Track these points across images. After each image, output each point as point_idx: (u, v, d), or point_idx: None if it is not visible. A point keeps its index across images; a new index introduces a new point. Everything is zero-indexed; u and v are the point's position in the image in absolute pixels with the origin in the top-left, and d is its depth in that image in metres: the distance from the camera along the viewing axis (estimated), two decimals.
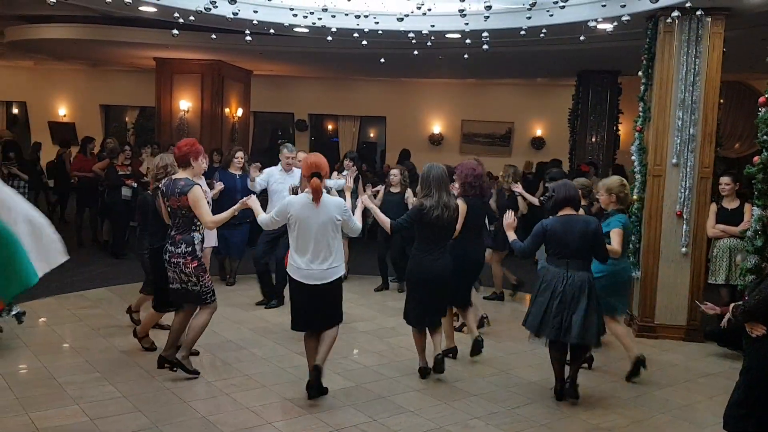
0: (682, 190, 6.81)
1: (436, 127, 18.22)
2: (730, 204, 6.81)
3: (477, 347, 5.85)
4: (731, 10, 6.70)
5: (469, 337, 5.95)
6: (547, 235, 5.03)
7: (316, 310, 4.87)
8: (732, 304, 3.58)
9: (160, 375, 5.27)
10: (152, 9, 8.96)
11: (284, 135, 19.92)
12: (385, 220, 5.41)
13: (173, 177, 5.17)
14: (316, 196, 4.73)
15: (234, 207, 5.16)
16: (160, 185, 5.34)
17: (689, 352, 6.57)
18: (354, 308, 7.36)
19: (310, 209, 4.76)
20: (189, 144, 5.20)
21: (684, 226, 6.84)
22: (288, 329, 6.62)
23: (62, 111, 19.44)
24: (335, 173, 9.07)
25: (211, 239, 7.48)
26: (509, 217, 5.37)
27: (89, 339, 6.05)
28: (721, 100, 8.39)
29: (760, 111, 4.73)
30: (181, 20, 7.49)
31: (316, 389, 4.85)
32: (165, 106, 14.78)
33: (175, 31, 7.42)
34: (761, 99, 4.66)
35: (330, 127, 19.72)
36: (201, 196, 5.03)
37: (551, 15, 7.22)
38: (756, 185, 4.64)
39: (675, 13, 6.05)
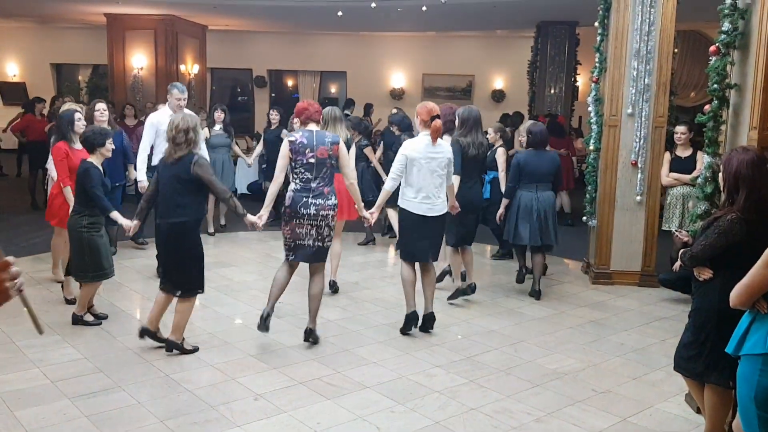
0: (637, 140, 6.91)
1: (397, 82, 18.11)
2: (684, 152, 6.96)
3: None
4: None
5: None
6: (521, 165, 6.39)
7: (427, 240, 5.44)
8: (681, 250, 3.68)
9: (122, 336, 5.26)
10: None
11: (243, 92, 19.62)
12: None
13: (314, 130, 5.08)
14: (436, 136, 5.26)
15: None
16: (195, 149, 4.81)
17: (643, 297, 6.77)
18: None
19: (430, 149, 5.28)
20: (311, 104, 5.25)
21: (639, 175, 6.96)
22: (251, 287, 6.69)
23: (12, 71, 18.80)
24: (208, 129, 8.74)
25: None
26: None
27: (48, 302, 5.98)
28: (676, 50, 8.47)
29: (711, 59, 4.79)
30: None
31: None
32: (118, 64, 14.39)
33: None
34: (712, 48, 4.71)
35: (290, 83, 19.45)
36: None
37: None
38: (706, 133, 4.73)
39: None
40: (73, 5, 13.31)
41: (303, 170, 4.97)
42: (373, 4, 8.60)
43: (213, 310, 5.94)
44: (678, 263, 3.75)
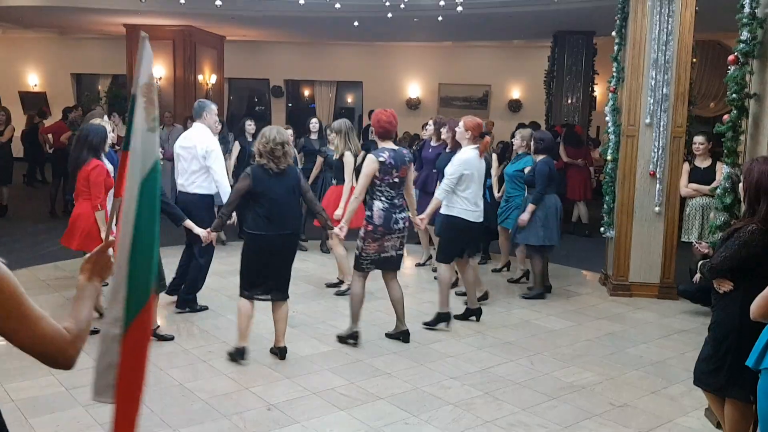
0: (656, 150, 6.85)
1: (414, 92, 18.11)
2: (703, 163, 6.87)
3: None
4: None
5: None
6: (552, 172, 6.71)
7: (470, 242, 5.93)
8: (700, 262, 3.62)
9: None
10: None
11: (260, 102, 19.72)
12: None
13: (394, 148, 5.18)
14: (483, 151, 5.74)
15: None
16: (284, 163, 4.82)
17: (662, 309, 6.68)
18: (330, 273, 7.38)
19: (480, 162, 5.73)
20: (394, 116, 5.27)
21: (657, 186, 6.89)
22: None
23: (33, 81, 19.04)
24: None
25: None
26: None
27: (64, 310, 5.96)
28: (695, 60, 8.39)
29: (729, 69, 4.73)
30: None
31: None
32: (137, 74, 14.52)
33: None
34: (730, 57, 4.66)
35: (306, 93, 19.53)
36: None
37: None
38: (725, 143, 4.66)
39: None
40: (92, 16, 13.47)
41: (388, 188, 5.17)
42: (390, 14, 8.61)
43: (227, 319, 5.94)
44: (698, 275, 3.69)
